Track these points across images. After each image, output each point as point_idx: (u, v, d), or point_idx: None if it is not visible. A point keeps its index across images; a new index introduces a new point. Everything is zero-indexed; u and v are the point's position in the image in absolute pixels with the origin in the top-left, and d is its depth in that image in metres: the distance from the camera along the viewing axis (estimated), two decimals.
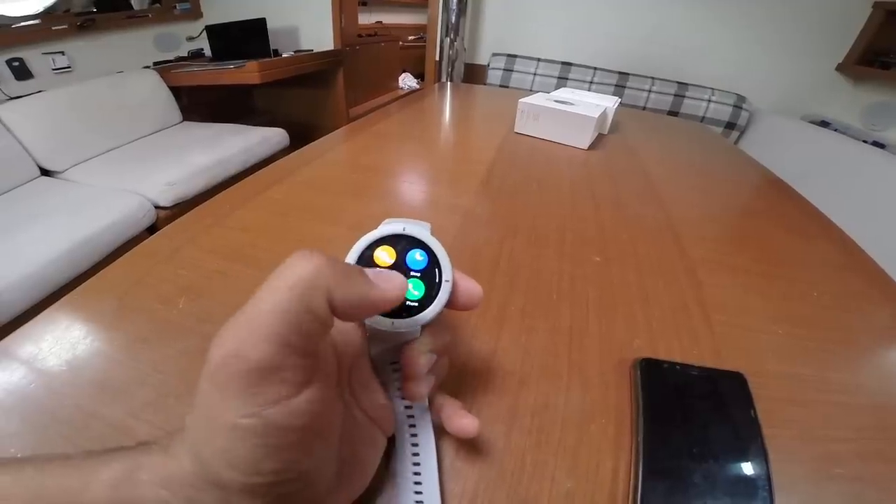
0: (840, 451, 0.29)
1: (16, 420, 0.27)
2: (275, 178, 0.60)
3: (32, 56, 2.06)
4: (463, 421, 0.23)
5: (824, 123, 1.98)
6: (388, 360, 0.24)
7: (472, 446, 0.26)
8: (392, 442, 0.24)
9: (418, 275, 0.22)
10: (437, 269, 0.22)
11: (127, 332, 0.33)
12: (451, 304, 0.22)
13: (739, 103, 2.05)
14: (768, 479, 0.24)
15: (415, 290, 0.21)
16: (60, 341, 0.32)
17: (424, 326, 0.21)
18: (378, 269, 0.21)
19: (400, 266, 0.22)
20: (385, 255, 0.22)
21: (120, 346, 0.32)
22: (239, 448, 0.15)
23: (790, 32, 2.01)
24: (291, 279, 0.16)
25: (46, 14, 2.10)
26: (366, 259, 0.21)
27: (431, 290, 0.21)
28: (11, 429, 0.26)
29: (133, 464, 0.16)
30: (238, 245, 0.44)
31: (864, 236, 0.58)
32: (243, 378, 0.15)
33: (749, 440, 0.26)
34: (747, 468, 0.25)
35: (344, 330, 0.22)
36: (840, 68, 2.01)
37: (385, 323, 0.21)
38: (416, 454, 0.23)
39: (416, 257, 0.22)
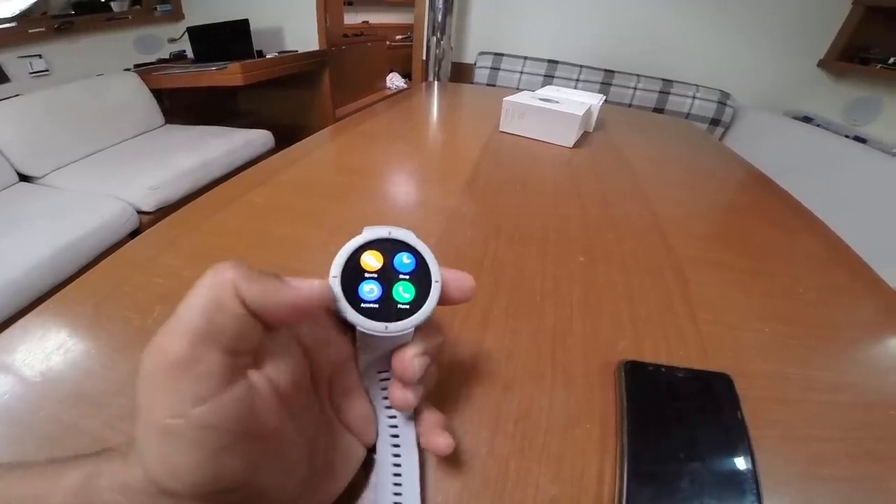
0: (828, 450, 0.28)
1: None
2: (257, 180, 0.59)
3: (8, 59, 2.01)
4: (438, 439, 0.22)
5: (807, 119, 2.01)
6: (376, 369, 0.23)
7: (455, 454, 0.26)
8: (372, 452, 0.24)
9: (407, 277, 0.21)
10: (425, 271, 0.21)
11: (104, 341, 0.32)
12: (445, 300, 0.21)
13: (724, 100, 2.07)
14: (756, 480, 0.24)
15: (405, 292, 0.21)
16: (35, 351, 0.31)
17: (417, 329, 0.21)
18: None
19: (388, 270, 0.21)
20: (372, 260, 0.21)
21: (96, 355, 0.31)
22: (173, 454, 0.15)
23: (773, 30, 2.04)
24: (205, 281, 0.17)
25: (23, 17, 2.06)
26: (353, 264, 0.21)
27: (422, 291, 0.21)
28: None
29: (94, 470, 0.16)
30: (216, 251, 0.43)
31: (847, 230, 0.59)
32: (166, 373, 0.15)
33: (736, 442, 0.26)
34: (734, 470, 0.25)
35: (324, 338, 0.21)
36: (821, 64, 2.04)
37: (378, 328, 0.20)
38: (397, 465, 0.23)
39: (404, 260, 0.21)
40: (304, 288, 0.18)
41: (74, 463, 0.17)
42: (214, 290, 0.16)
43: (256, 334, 0.17)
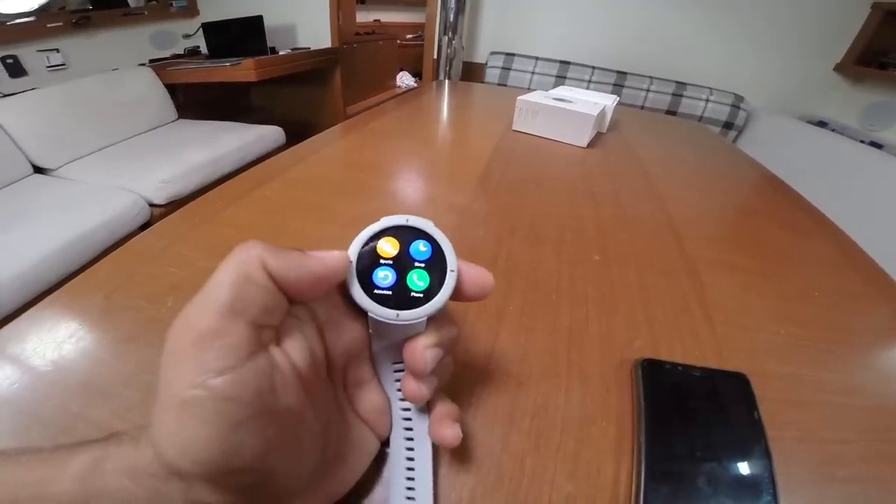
0: (842, 452, 0.28)
1: None
2: (268, 175, 0.59)
3: (27, 53, 2.03)
4: (446, 430, 0.21)
5: (822, 123, 1.98)
6: (391, 360, 0.23)
7: (469, 449, 0.26)
8: (386, 446, 0.24)
9: (422, 265, 0.21)
10: (441, 260, 0.21)
11: (114, 331, 0.33)
12: (461, 295, 0.21)
13: (737, 103, 2.05)
14: (772, 481, 0.24)
15: (419, 280, 0.20)
16: (45, 341, 0.31)
17: (431, 320, 0.21)
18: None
19: (403, 257, 0.21)
20: (388, 247, 0.21)
21: (106, 345, 0.32)
22: (188, 428, 0.15)
23: (788, 32, 2.02)
24: (232, 257, 0.17)
25: (42, 11, 2.08)
26: (368, 250, 0.21)
27: (436, 281, 0.20)
28: None
29: (101, 454, 0.16)
30: (229, 242, 0.43)
31: (862, 236, 0.58)
32: (191, 345, 0.15)
33: (753, 442, 0.26)
34: (751, 470, 0.24)
35: (339, 324, 0.21)
36: (838, 68, 2.01)
37: (389, 315, 0.20)
38: (410, 458, 0.22)
39: (420, 248, 0.21)
40: (327, 257, 0.19)
41: (82, 448, 0.17)
42: (242, 264, 0.17)
43: (282, 308, 0.18)
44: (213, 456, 0.15)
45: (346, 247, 0.21)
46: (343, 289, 0.21)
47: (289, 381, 0.18)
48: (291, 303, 0.18)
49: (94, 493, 0.16)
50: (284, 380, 0.17)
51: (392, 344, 0.22)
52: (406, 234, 0.21)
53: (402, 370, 0.22)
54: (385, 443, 0.24)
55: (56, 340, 0.31)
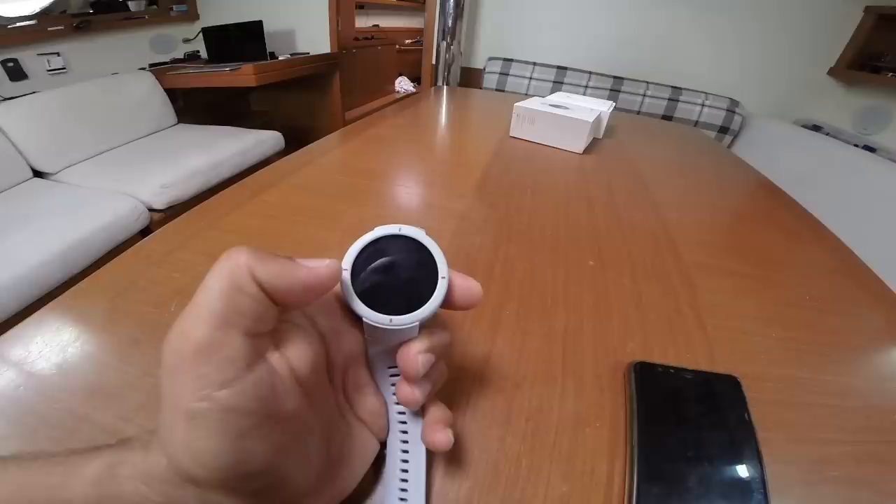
0: (834, 453, 0.29)
1: (3, 424, 0.26)
2: (269, 181, 0.60)
3: (27, 57, 2.04)
4: (437, 435, 0.22)
5: (816, 127, 2.00)
6: (386, 364, 0.24)
7: (466, 451, 0.26)
8: (384, 448, 0.24)
9: (414, 273, 0.21)
10: (433, 268, 0.22)
11: (119, 335, 0.33)
12: (450, 303, 0.22)
13: (733, 107, 2.06)
14: (763, 482, 0.25)
15: (412, 287, 0.21)
16: (50, 344, 0.32)
17: (423, 327, 0.21)
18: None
19: (396, 265, 0.22)
20: (382, 255, 0.22)
21: (111, 349, 0.32)
22: (199, 438, 0.15)
23: (782, 37, 2.03)
24: (221, 265, 0.17)
25: (42, 15, 2.09)
26: (363, 258, 0.21)
27: (428, 287, 0.21)
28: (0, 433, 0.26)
29: (115, 459, 0.17)
30: (230, 248, 0.44)
31: (855, 240, 0.59)
32: (190, 357, 0.16)
33: (743, 443, 0.27)
34: (742, 471, 0.25)
35: (338, 329, 0.22)
36: (832, 72, 2.03)
37: (383, 320, 0.20)
38: (405, 461, 0.23)
39: (412, 256, 0.22)
40: (316, 267, 0.19)
41: (96, 453, 0.17)
42: (231, 273, 0.17)
43: (273, 315, 0.18)
44: (225, 463, 0.15)
45: (346, 252, 0.21)
46: (341, 296, 0.21)
47: (289, 386, 0.18)
48: (283, 309, 0.19)
49: (111, 497, 0.16)
50: (284, 385, 0.18)
51: (387, 349, 0.23)
52: (399, 243, 0.22)
53: (398, 375, 0.23)
54: (384, 444, 0.24)
55: (61, 344, 0.32)
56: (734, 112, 2.06)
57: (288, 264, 0.18)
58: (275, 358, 0.18)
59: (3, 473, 0.16)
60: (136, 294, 0.37)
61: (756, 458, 0.26)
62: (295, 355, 0.19)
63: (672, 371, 0.31)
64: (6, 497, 0.16)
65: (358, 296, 0.21)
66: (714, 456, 0.26)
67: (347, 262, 0.21)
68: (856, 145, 1.71)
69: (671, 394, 0.29)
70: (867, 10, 1.86)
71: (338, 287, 0.21)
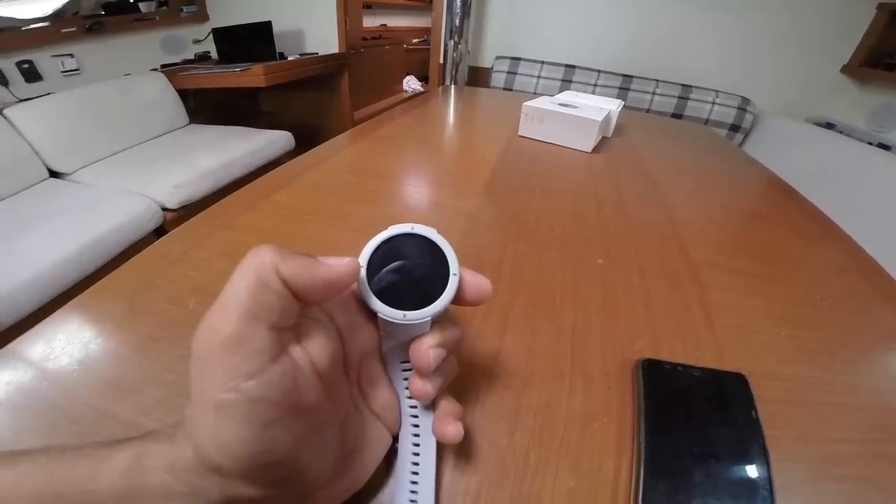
0: (843, 452, 0.29)
1: (28, 418, 0.27)
2: (280, 181, 0.61)
3: (42, 58, 2.08)
4: (447, 427, 0.22)
5: (829, 125, 1.97)
6: (399, 359, 0.25)
7: (476, 445, 0.27)
8: (396, 440, 0.25)
9: (427, 270, 0.22)
10: (444, 265, 0.22)
11: (138, 332, 0.34)
12: (462, 299, 0.23)
13: (744, 105, 2.04)
14: (769, 479, 0.25)
15: (424, 284, 0.22)
16: (73, 341, 0.33)
17: (435, 322, 0.22)
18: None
19: (409, 262, 0.22)
20: (396, 253, 0.22)
21: (131, 345, 0.33)
22: (226, 428, 0.16)
23: (794, 34, 2.01)
24: (248, 263, 0.18)
25: (56, 17, 2.13)
26: (378, 256, 0.22)
27: (440, 284, 0.22)
28: (23, 426, 0.27)
29: (141, 451, 0.17)
30: (247, 247, 0.45)
31: (868, 238, 0.58)
32: (218, 350, 0.16)
33: (750, 440, 0.27)
34: (748, 469, 0.25)
35: (354, 324, 0.23)
36: (845, 70, 2.00)
37: (396, 315, 0.21)
38: (416, 454, 0.24)
39: (425, 254, 0.23)
40: (337, 264, 0.20)
41: (122, 445, 0.18)
42: (257, 270, 0.18)
43: (296, 311, 0.19)
44: (250, 453, 0.16)
45: (358, 251, 0.22)
46: (357, 292, 0.22)
47: (309, 379, 0.19)
48: (305, 305, 0.19)
49: (137, 487, 0.17)
50: (305, 378, 0.19)
51: (400, 344, 0.24)
52: (412, 242, 0.23)
53: (410, 369, 0.23)
54: (396, 438, 0.25)
55: (83, 341, 0.33)
56: (745, 110, 2.04)
57: (310, 262, 0.19)
58: (297, 352, 0.19)
59: (34, 465, 0.17)
60: (154, 292, 0.38)
61: (763, 456, 0.26)
62: (315, 349, 0.20)
63: (680, 368, 0.31)
64: (37, 487, 0.16)
65: (373, 292, 0.22)
66: (720, 453, 0.26)
67: (363, 259, 0.22)
68: (869, 143, 1.69)
69: (679, 391, 0.30)
70: (881, 6, 1.84)
71: (354, 284, 0.21)
